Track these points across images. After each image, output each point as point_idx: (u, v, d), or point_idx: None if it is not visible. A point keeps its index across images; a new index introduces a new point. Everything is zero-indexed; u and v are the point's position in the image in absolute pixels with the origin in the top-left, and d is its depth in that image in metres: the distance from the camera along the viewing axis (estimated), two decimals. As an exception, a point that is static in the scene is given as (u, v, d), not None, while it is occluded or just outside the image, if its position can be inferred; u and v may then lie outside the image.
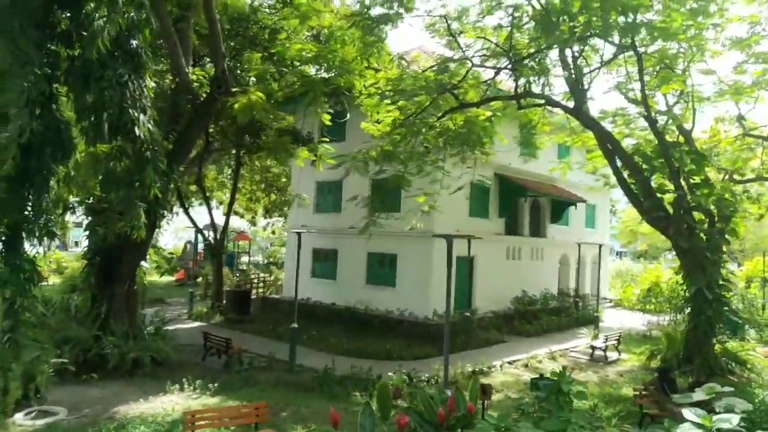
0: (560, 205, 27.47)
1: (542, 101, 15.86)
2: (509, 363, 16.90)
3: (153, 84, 10.81)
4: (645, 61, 15.89)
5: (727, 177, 19.69)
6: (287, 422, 10.82)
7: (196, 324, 21.38)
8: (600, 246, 25.14)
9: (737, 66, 17.33)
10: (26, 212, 9.85)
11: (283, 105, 19.23)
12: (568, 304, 26.32)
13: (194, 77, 13.29)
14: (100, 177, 11.25)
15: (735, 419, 3.90)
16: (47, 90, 9.32)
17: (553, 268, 27.97)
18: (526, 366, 16.85)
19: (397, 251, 22.40)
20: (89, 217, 14.14)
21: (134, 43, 9.90)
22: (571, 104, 16.02)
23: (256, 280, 28.22)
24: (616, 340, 18.60)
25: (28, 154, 9.29)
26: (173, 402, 11.65)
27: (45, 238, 10.29)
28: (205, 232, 25.64)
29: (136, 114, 9.53)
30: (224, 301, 23.00)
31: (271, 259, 41.94)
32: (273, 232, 38.61)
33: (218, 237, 23.55)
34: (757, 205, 21.30)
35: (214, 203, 33.12)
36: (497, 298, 23.69)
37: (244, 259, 39.07)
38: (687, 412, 3.98)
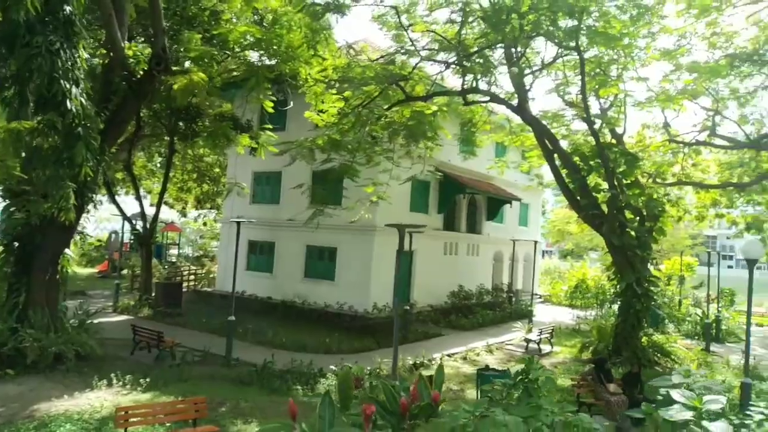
0: (496, 203, 28.10)
1: (487, 98, 16.07)
2: (448, 356, 17.06)
3: (86, 56, 9.96)
4: (584, 65, 16.49)
5: (651, 180, 20.77)
6: (226, 417, 10.37)
7: (123, 317, 20.20)
8: (535, 243, 25.91)
9: (665, 76, 18.34)
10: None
11: (221, 90, 18.48)
12: (502, 299, 26.99)
13: (130, 53, 12.41)
14: (23, 154, 10.25)
15: (723, 400, 3.98)
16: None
17: (488, 264, 28.58)
18: (464, 359, 17.06)
19: (337, 244, 22.13)
20: (5, 200, 12.97)
21: (67, 9, 9.07)
22: (514, 102, 16.32)
23: (186, 273, 27.07)
24: (549, 333, 19.20)
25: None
26: (101, 398, 10.88)
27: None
28: (133, 222, 24.29)
29: (67, 85, 8.72)
30: (153, 294, 21.87)
31: (200, 252, 40.46)
32: (204, 224, 37.20)
33: (147, 227, 22.33)
34: (676, 208, 22.66)
35: (141, 192, 31.51)
36: (435, 293, 23.92)
37: (173, 251, 37.45)
38: (675, 394, 4.03)
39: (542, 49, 16.72)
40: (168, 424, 9.22)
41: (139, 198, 23.09)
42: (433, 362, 16.13)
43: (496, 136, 23.02)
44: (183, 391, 11.70)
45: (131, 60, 12.34)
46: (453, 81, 20.41)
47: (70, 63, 8.70)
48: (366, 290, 21.02)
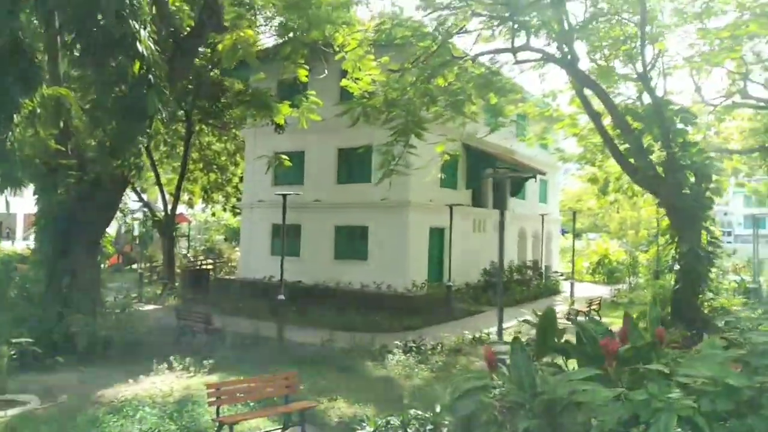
0: (518, 179, 27.33)
1: (539, 55, 15.30)
2: (504, 329, 16.34)
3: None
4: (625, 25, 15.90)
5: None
6: (309, 395, 9.54)
7: (150, 307, 19.27)
8: (558, 221, 25.33)
9: (701, 32, 17.67)
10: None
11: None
12: (530, 276, 26.37)
13: (173, 7, 11.40)
14: (87, 106, 9.27)
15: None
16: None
17: (513, 241, 27.90)
18: (520, 332, 16.35)
19: (368, 223, 21.30)
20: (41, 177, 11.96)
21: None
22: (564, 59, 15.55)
23: (205, 261, 26.13)
24: (597, 304, 18.58)
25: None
26: (166, 382, 10.01)
27: (9, 187, 8.38)
28: (145, 211, 23.32)
29: (136, 26, 7.76)
30: (176, 283, 20.94)
31: (208, 245, 39.34)
32: (213, 214, 36.10)
33: (168, 215, 21.35)
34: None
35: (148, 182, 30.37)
36: (467, 270, 23.18)
37: (182, 243, 36.36)
38: None
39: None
40: (260, 402, 8.41)
41: (159, 184, 22.07)
42: (490, 336, 15.44)
43: (526, 106, 22.26)
44: (249, 373, 10.88)
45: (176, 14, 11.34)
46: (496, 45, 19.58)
47: (136, 1, 7.74)
48: (403, 268, 20.24)
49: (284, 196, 14.27)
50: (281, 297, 14.04)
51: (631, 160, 16.30)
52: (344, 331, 14.99)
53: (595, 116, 16.79)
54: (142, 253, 26.11)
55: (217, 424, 7.48)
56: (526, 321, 10.05)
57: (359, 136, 22.17)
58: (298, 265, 22.79)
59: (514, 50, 14.86)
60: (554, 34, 14.20)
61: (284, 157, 16.18)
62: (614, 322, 18.23)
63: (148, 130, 8.70)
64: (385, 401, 9.32)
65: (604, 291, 25.09)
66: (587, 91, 16.53)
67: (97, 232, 12.21)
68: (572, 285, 22.45)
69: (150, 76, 8.17)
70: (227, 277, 24.95)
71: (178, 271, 21.65)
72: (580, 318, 18.31)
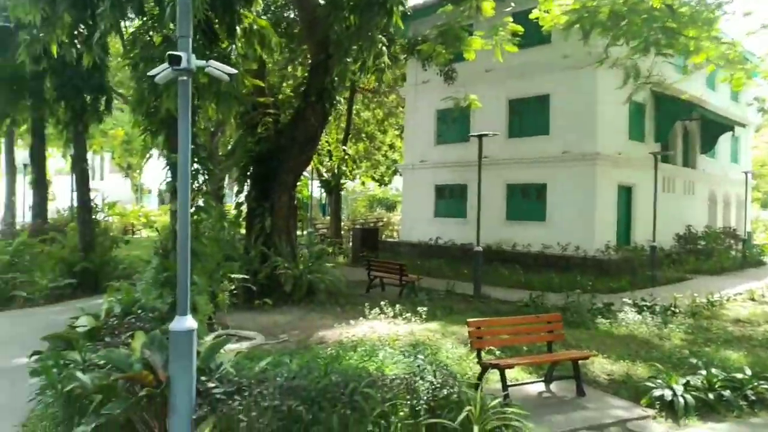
0: (712, 133, 23.69)
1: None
2: (734, 296, 13.82)
3: None
4: None
5: None
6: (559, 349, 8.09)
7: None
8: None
9: None
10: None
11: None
12: (729, 244, 22.83)
13: None
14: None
15: None
16: None
17: (703, 204, 24.42)
18: (753, 299, 13.72)
19: (546, 180, 19.32)
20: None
21: None
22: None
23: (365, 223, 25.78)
24: None
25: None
26: (387, 327, 9.09)
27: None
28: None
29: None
30: (344, 241, 20.54)
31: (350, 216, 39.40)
32: (362, 183, 35.95)
33: (336, 174, 20.96)
34: None
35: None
36: (657, 234, 20.41)
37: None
38: None
39: None
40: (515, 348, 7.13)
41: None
42: (718, 302, 12.99)
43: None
44: (461, 324, 9.73)
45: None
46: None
47: None
48: (590, 229, 18.09)
49: (480, 137, 12.80)
50: (478, 248, 12.72)
51: None
52: (543, 291, 13.37)
53: None
54: (308, 215, 26.26)
55: (481, 367, 6.24)
56: None
57: (532, 85, 20.23)
58: (464, 227, 21.44)
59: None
60: None
61: (473, 97, 14.73)
62: None
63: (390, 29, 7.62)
64: (647, 360, 7.61)
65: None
66: None
67: (296, 174, 11.68)
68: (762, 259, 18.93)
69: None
70: (390, 239, 24.32)
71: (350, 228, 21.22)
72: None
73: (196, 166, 8.29)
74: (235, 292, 9.31)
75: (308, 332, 9.05)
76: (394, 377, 4.88)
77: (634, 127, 20.24)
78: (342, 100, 12.38)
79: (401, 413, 4.77)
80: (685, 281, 16.61)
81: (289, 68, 15.02)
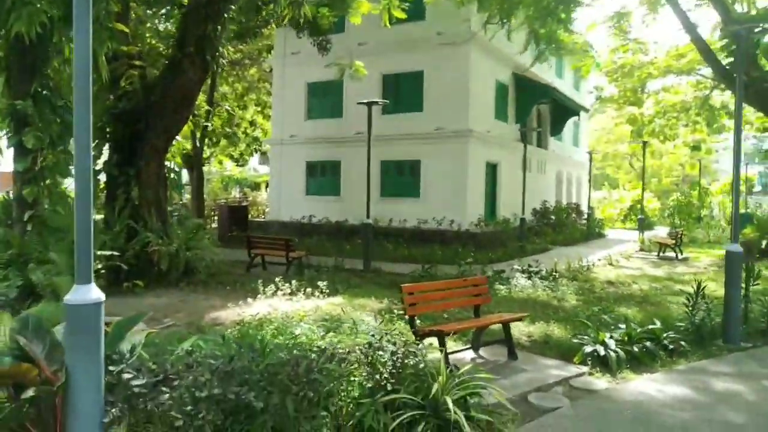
0: (561, 117, 25.71)
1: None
2: (597, 261, 14.96)
3: None
4: None
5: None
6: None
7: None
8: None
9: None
10: None
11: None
12: (574, 219, 25.09)
13: None
14: None
15: None
16: None
17: (552, 183, 26.51)
18: (611, 264, 14.96)
19: (420, 156, 19.43)
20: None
21: None
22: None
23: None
24: (679, 238, 17.26)
25: None
26: (289, 305, 8.14)
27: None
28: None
29: None
30: (208, 219, 18.88)
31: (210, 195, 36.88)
32: (220, 162, 33.62)
33: (197, 147, 19.14)
34: None
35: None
36: (516, 209, 21.65)
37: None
38: None
39: None
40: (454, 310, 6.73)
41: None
42: (586, 266, 13.96)
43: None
44: (365, 297, 9.19)
45: None
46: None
47: None
48: (463, 205, 18.55)
49: (369, 104, 12.20)
50: (368, 221, 12.21)
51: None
52: (426, 263, 13.29)
53: (692, 28, 15.15)
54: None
55: (416, 336, 5.71)
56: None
57: (406, 61, 20.12)
58: (338, 204, 20.93)
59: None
60: None
61: (359, 63, 14.00)
62: (697, 257, 17.12)
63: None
64: (561, 321, 7.72)
65: (653, 234, 23.93)
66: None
67: (169, 135, 10.11)
68: (641, 224, 21.33)
69: None
70: (258, 219, 22.92)
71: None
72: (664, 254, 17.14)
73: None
74: (102, 272, 7.76)
75: (196, 315, 7.83)
76: (349, 350, 4.14)
77: (500, 107, 21.15)
78: (226, 52, 10.96)
79: (356, 391, 4.06)
80: (549, 251, 17.72)
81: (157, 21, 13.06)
